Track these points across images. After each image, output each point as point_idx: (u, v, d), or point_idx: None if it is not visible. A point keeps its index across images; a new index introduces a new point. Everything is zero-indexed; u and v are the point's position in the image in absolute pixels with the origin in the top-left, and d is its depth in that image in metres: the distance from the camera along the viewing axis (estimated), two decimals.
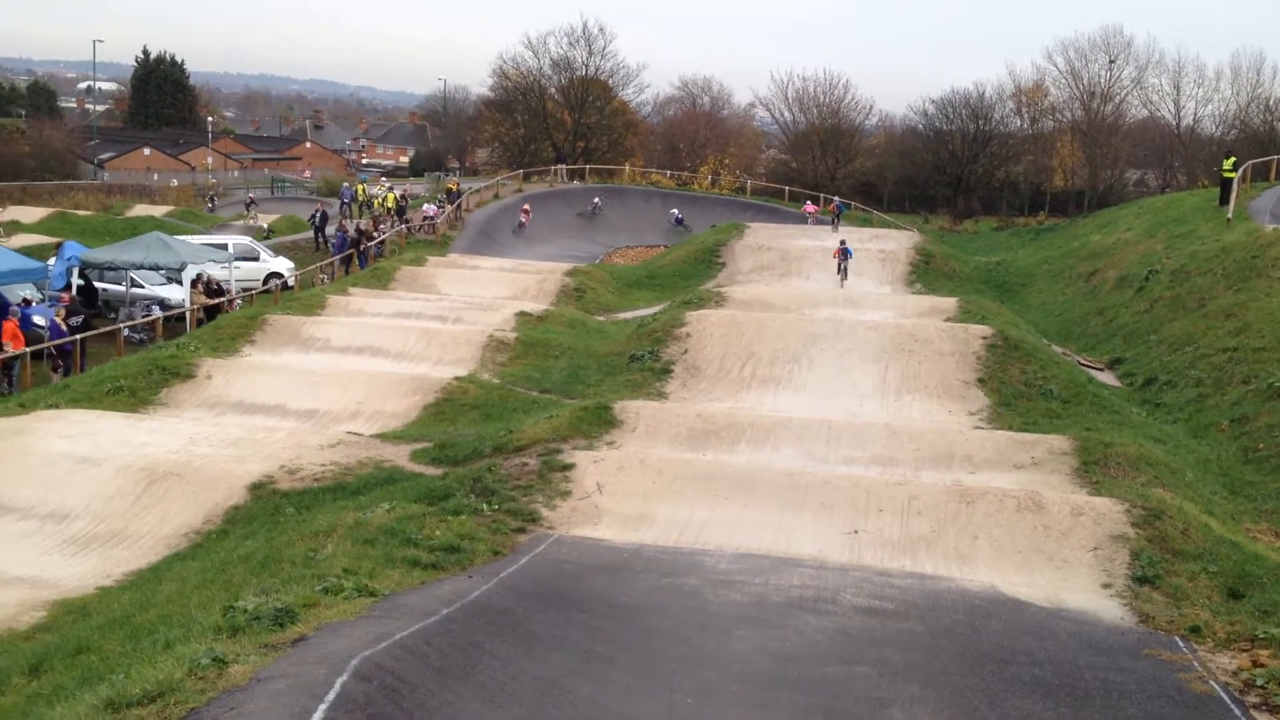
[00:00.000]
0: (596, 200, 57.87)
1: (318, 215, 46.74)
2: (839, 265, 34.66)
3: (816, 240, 41.48)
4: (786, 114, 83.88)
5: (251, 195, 66.47)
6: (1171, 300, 27.05)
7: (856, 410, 19.34)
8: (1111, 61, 73.71)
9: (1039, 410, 19.15)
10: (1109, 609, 10.74)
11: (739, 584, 10.88)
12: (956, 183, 76.34)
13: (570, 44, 79.20)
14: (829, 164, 77.67)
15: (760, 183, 70.24)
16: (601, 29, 79.79)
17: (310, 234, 46.66)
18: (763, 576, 11.17)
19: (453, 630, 8.14)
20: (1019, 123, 79.89)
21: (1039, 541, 12.33)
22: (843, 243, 35.60)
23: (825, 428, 16.86)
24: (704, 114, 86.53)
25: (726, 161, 74.52)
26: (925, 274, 37.63)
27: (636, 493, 13.50)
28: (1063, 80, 75.76)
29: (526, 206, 52.40)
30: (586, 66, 79.54)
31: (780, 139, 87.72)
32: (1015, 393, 20.04)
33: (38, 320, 25.05)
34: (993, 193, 77.50)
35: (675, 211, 57.98)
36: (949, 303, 28.72)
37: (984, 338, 21.96)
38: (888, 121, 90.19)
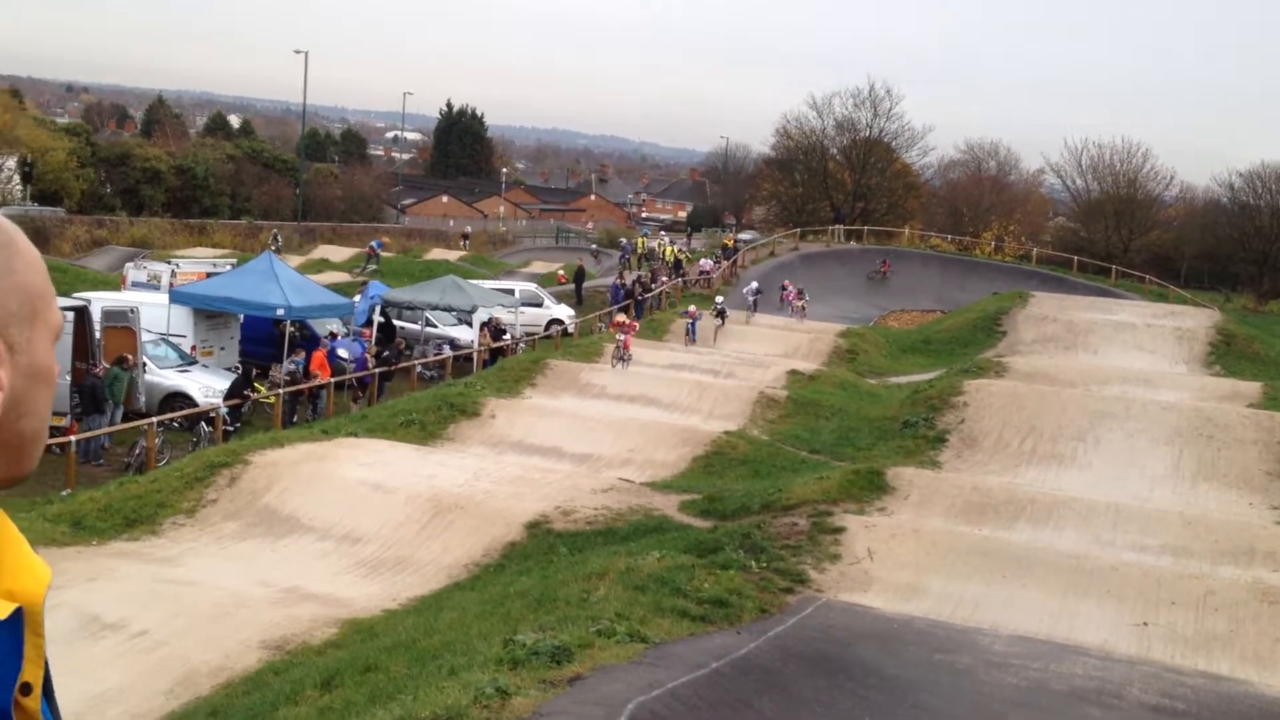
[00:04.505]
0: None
1: (576, 271, 48.48)
2: None
3: (1106, 314, 39.64)
4: (1078, 181, 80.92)
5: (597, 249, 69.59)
6: None
7: (1146, 495, 18.29)
8: None
9: None
10: None
11: (1015, 667, 10.43)
12: (1263, 260, 71.49)
13: (855, 105, 79.02)
14: (1122, 234, 74.30)
15: (1046, 251, 67.84)
16: (889, 91, 79.15)
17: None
18: (1041, 662, 10.67)
19: (721, 685, 8.15)
20: None
21: None
22: None
23: (1112, 511, 16.01)
24: (989, 178, 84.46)
25: (1011, 228, 72.42)
26: (1225, 355, 35.31)
27: (908, 562, 13.18)
28: None
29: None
30: (870, 128, 79.13)
31: (1070, 207, 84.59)
32: None
33: (342, 353, 26.83)
34: None
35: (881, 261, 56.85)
36: (1253, 388, 26.84)
37: None
38: (1188, 193, 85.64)
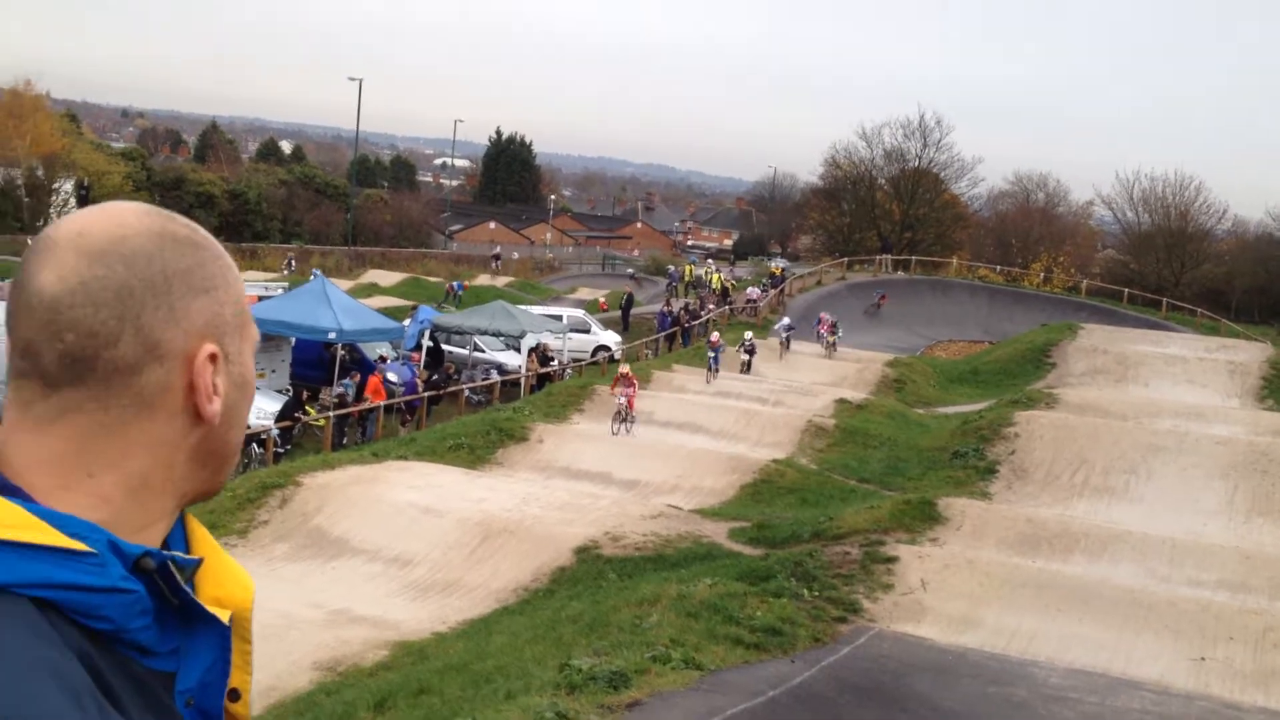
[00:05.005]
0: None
1: (624, 298, 48.58)
2: None
3: (1157, 347, 39.18)
4: (1129, 213, 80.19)
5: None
6: None
7: (1199, 530, 18.03)
8: None
9: None
10: None
11: (1072, 701, 10.29)
12: None
13: (905, 135, 78.86)
14: (1173, 267, 73.54)
15: (1096, 283, 67.23)
16: (939, 121, 79.00)
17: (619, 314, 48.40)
18: (1098, 696, 10.52)
19: (778, 713, 8.10)
20: None
21: None
22: None
23: (1168, 545, 15.80)
24: (1038, 209, 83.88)
25: (1060, 259, 71.86)
26: (1278, 390, 34.76)
27: (962, 593, 13.06)
28: None
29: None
30: (920, 158, 78.92)
31: (1120, 239, 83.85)
32: None
33: (391, 377, 27.02)
34: None
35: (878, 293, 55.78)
36: None
37: None
38: (1240, 227, 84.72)
